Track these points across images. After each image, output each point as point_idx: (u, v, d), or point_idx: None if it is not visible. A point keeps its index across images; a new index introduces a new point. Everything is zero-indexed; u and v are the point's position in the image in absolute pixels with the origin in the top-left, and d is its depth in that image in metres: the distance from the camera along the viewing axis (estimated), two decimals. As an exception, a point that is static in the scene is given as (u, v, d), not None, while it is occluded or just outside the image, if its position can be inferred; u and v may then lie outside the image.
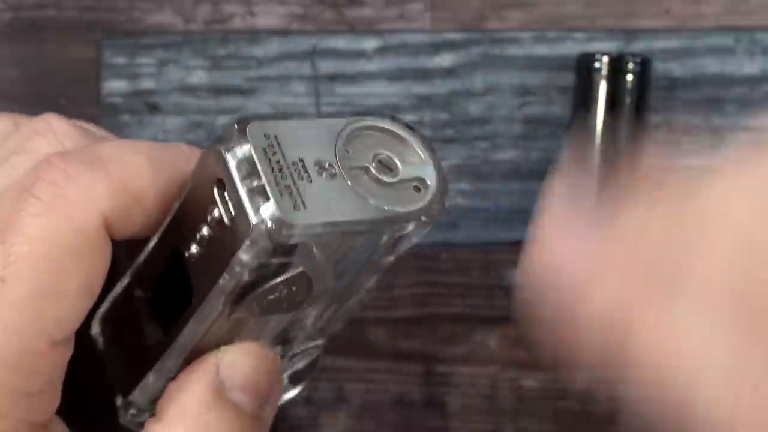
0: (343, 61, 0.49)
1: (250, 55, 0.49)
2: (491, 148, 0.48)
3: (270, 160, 0.34)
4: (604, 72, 0.46)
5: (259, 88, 0.49)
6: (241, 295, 0.35)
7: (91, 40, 0.49)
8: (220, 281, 0.34)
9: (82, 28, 0.49)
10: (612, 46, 0.48)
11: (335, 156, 0.35)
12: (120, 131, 0.48)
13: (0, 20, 0.49)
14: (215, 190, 0.34)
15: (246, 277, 0.34)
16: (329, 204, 0.34)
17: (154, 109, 0.49)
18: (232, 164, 0.34)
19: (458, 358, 0.48)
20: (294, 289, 0.36)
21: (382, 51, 0.49)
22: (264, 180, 0.34)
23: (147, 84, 0.49)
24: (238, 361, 0.36)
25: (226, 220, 0.34)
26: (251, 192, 0.34)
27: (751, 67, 0.48)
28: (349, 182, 0.35)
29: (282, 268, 0.35)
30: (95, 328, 0.38)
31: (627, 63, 0.46)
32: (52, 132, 0.37)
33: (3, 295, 0.33)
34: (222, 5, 0.49)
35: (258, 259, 0.34)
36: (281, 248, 0.34)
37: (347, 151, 0.36)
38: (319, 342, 0.41)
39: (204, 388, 0.35)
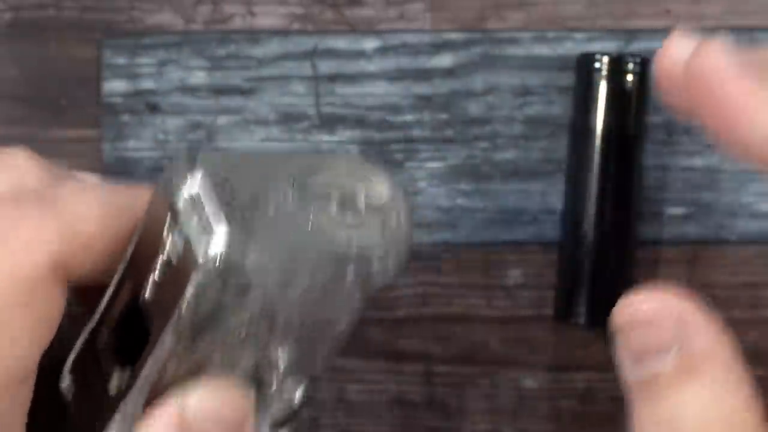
0: (343, 61, 0.49)
1: (250, 55, 0.49)
2: (491, 148, 0.48)
3: (221, 192, 0.32)
4: (605, 72, 0.46)
5: (259, 88, 0.49)
6: (197, 333, 0.33)
7: (91, 40, 0.49)
8: (171, 322, 0.33)
9: (82, 28, 0.49)
10: (612, 46, 0.48)
11: (293, 189, 0.33)
12: (120, 131, 0.49)
13: (0, 20, 0.49)
14: (165, 228, 0.33)
15: (197, 315, 0.33)
16: (284, 236, 0.32)
17: (154, 109, 0.49)
18: (180, 198, 0.32)
19: (458, 358, 0.48)
20: (253, 326, 0.34)
21: (382, 51, 0.49)
22: (212, 211, 0.32)
23: (147, 84, 0.49)
24: (203, 399, 0.35)
25: (174, 259, 0.33)
26: (199, 226, 0.32)
27: (751, 67, 0.48)
28: (307, 216, 0.33)
29: (237, 304, 0.33)
30: (65, 381, 0.37)
31: (627, 63, 0.46)
32: (17, 169, 0.37)
33: None
34: (222, 5, 0.49)
35: (207, 294, 0.32)
36: (232, 285, 0.32)
37: (308, 186, 0.34)
38: (299, 382, 0.39)
39: (168, 425, 0.34)
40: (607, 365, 0.48)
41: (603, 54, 0.46)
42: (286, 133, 0.49)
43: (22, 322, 0.33)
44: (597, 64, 0.46)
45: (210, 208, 0.32)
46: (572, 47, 0.48)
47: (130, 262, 0.35)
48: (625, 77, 0.46)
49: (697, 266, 0.48)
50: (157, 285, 0.34)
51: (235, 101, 0.49)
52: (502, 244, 0.48)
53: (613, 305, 0.47)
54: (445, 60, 0.48)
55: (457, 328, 0.48)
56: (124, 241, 0.35)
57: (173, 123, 0.49)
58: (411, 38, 0.49)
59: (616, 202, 0.47)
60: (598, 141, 0.46)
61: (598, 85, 0.46)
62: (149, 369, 0.34)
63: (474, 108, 0.49)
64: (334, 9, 0.49)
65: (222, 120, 0.49)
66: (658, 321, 0.31)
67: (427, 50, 0.48)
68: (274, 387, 0.39)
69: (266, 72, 0.49)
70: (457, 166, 0.49)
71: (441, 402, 0.49)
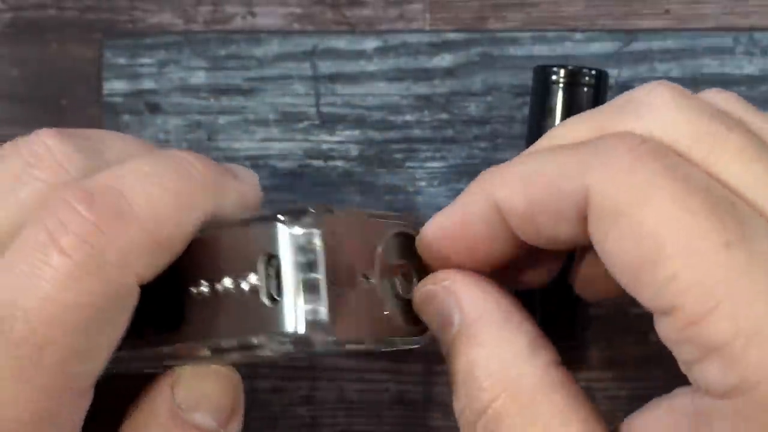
0: (344, 61, 0.49)
1: (251, 55, 0.49)
2: (491, 148, 0.49)
3: (329, 260, 0.33)
4: (561, 84, 0.46)
5: (260, 88, 0.49)
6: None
7: (91, 40, 0.49)
8: (224, 341, 0.34)
9: (82, 28, 0.49)
10: (612, 46, 0.48)
11: (376, 268, 0.35)
12: (121, 131, 0.48)
13: (0, 20, 0.49)
14: (260, 259, 0.33)
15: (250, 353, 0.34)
16: (359, 321, 0.34)
17: (154, 109, 0.49)
18: (295, 248, 0.33)
19: (458, 358, 0.48)
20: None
21: (382, 51, 0.49)
22: (320, 278, 0.33)
23: (147, 84, 0.49)
24: (196, 382, 0.35)
25: (263, 296, 0.33)
26: (304, 284, 0.33)
27: (750, 67, 0.48)
28: (380, 297, 0.35)
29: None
30: None
31: (582, 75, 0.46)
32: (52, 156, 0.35)
33: (38, 360, 0.32)
34: (223, 5, 0.49)
35: (274, 351, 0.33)
36: (302, 351, 0.33)
37: (384, 257, 0.36)
38: None
39: (160, 411, 0.35)
40: (607, 365, 0.48)
41: (560, 66, 0.46)
42: (286, 133, 0.49)
43: (107, 334, 0.33)
44: (554, 77, 0.46)
45: (322, 268, 0.33)
46: (572, 47, 0.48)
47: (194, 250, 0.35)
48: (581, 89, 0.46)
49: (697, 266, 0.48)
50: (223, 294, 0.34)
51: (235, 101, 0.49)
52: (502, 244, 0.48)
53: (564, 313, 0.47)
54: (444, 60, 0.49)
55: (457, 328, 0.48)
56: (193, 232, 0.35)
57: (174, 123, 0.49)
58: (411, 38, 0.49)
59: None
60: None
61: (555, 96, 0.46)
62: (168, 352, 0.35)
63: (474, 108, 0.49)
64: (334, 9, 0.49)
65: (222, 120, 0.49)
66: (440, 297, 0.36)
67: (426, 50, 0.49)
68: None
69: (266, 72, 0.49)
70: (457, 166, 0.49)
71: (441, 402, 0.49)
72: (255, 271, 0.33)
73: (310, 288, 0.33)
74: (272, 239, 0.33)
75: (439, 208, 0.48)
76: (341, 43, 0.49)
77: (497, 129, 0.48)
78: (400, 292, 0.36)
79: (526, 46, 0.48)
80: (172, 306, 0.35)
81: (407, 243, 0.37)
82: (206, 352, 0.35)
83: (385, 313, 0.35)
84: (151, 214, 0.33)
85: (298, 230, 0.33)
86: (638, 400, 0.48)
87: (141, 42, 0.49)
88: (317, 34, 0.49)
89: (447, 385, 0.48)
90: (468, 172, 0.48)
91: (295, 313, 0.32)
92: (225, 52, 0.49)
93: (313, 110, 0.49)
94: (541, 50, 0.48)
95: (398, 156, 0.49)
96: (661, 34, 0.48)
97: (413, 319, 0.36)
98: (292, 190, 0.48)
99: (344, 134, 0.49)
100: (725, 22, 0.48)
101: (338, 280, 0.33)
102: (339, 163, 0.49)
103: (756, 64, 0.48)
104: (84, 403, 0.34)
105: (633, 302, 0.48)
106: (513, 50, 0.48)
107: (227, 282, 0.34)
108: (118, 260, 0.32)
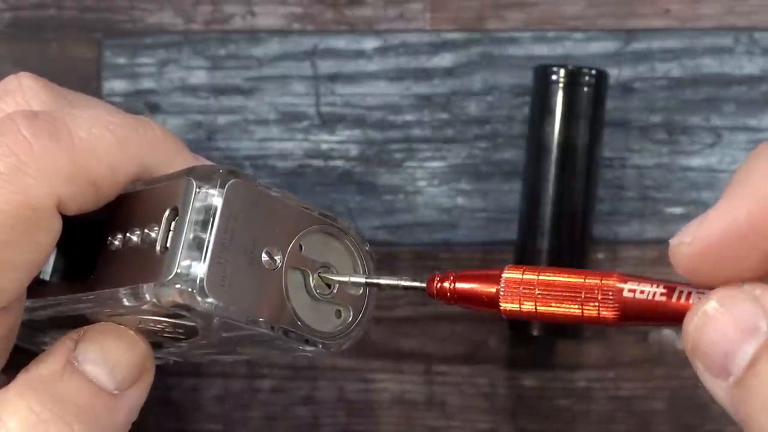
0: (343, 61, 0.49)
1: (251, 55, 0.49)
2: (491, 148, 0.49)
3: (228, 224, 0.33)
4: (561, 83, 0.46)
5: (259, 88, 0.49)
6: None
7: (91, 39, 0.49)
8: (119, 293, 0.34)
9: (82, 28, 0.49)
10: (612, 45, 0.48)
11: (286, 252, 0.35)
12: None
13: (0, 20, 0.49)
14: (166, 213, 0.34)
15: (142, 306, 0.34)
16: (252, 295, 0.34)
17: (154, 108, 0.49)
18: (195, 204, 0.33)
19: (458, 358, 0.49)
20: (179, 331, 0.35)
21: (382, 51, 0.49)
22: (211, 239, 0.33)
23: (147, 84, 0.49)
24: (98, 338, 0.36)
25: (158, 247, 0.34)
26: (194, 241, 0.33)
27: (750, 67, 0.48)
28: (283, 282, 0.34)
29: (176, 316, 0.34)
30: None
31: (583, 75, 0.46)
32: (21, 91, 0.37)
33: None
34: (222, 5, 0.49)
35: (160, 303, 0.33)
36: (185, 308, 0.33)
37: (301, 247, 0.35)
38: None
39: (56, 357, 0.35)
40: (606, 365, 0.48)
41: (560, 66, 0.46)
42: (286, 132, 0.49)
43: (21, 249, 0.34)
44: (554, 77, 0.46)
45: (217, 229, 0.33)
46: (572, 47, 0.48)
47: (120, 202, 0.35)
48: (581, 89, 0.46)
49: (697, 266, 0.48)
50: (130, 246, 0.35)
51: (235, 101, 0.49)
52: (502, 244, 0.48)
53: None
54: (444, 60, 0.49)
55: (457, 328, 0.48)
56: (128, 183, 0.36)
57: (174, 123, 0.49)
58: (411, 38, 0.49)
59: (571, 209, 0.47)
60: (554, 150, 0.46)
61: (555, 96, 0.46)
62: (73, 300, 0.35)
63: (474, 108, 0.49)
64: (334, 9, 0.49)
65: (222, 120, 0.49)
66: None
67: (426, 50, 0.49)
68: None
69: (266, 72, 0.49)
70: (457, 166, 0.49)
71: (441, 402, 0.49)
72: (160, 223, 0.34)
73: (197, 245, 0.33)
74: (179, 194, 0.34)
75: (439, 209, 0.48)
76: (341, 42, 0.49)
77: (497, 129, 0.48)
78: (313, 291, 0.35)
79: (526, 46, 0.48)
80: (91, 257, 0.36)
81: (337, 247, 0.36)
82: (108, 311, 0.35)
83: (288, 303, 0.35)
84: (86, 147, 0.35)
85: (203, 188, 0.33)
86: (638, 400, 0.48)
87: (140, 42, 0.49)
88: (317, 33, 0.49)
89: (447, 385, 0.49)
90: (468, 172, 0.48)
91: (174, 266, 0.33)
92: (225, 51, 0.49)
93: (313, 110, 0.49)
94: (541, 50, 0.48)
95: (398, 156, 0.49)
96: (661, 33, 0.48)
97: (318, 321, 0.36)
98: (292, 190, 0.48)
99: (344, 134, 0.49)
100: (725, 22, 0.48)
101: (235, 249, 0.33)
102: (339, 162, 0.49)
103: (756, 64, 0.48)
104: (2, 321, 0.35)
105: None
106: (513, 50, 0.48)
107: (136, 234, 0.35)
108: (39, 176, 0.34)
